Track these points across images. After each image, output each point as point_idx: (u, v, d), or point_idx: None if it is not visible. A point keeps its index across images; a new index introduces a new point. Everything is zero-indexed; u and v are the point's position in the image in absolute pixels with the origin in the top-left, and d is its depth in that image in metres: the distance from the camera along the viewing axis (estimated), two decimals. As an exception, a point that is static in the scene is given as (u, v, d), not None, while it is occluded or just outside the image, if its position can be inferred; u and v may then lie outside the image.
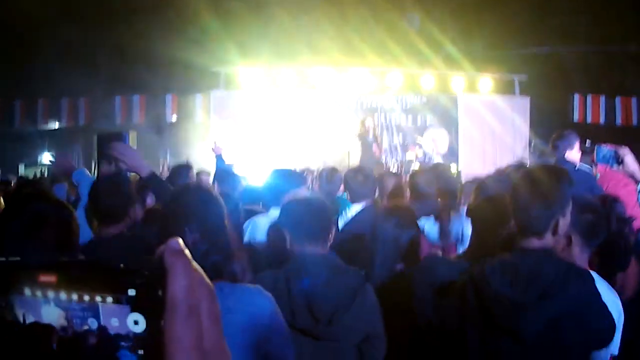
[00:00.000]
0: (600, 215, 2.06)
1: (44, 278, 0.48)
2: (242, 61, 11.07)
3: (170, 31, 11.10)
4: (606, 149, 2.73)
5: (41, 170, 11.88)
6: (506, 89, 11.58)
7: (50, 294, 0.48)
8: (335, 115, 10.86)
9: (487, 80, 11.33)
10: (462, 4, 11.15)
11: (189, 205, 1.59)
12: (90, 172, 10.74)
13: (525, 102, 11.52)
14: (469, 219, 2.47)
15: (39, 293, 0.48)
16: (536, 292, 1.64)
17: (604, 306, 1.66)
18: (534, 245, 1.73)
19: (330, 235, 2.15)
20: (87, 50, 11.97)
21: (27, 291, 0.48)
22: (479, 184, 2.48)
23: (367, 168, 4.59)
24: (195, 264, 0.50)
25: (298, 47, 10.91)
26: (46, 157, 13.01)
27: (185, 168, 4.59)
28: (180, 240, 0.51)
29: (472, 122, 11.27)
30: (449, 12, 11.15)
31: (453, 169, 10.00)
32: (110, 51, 11.66)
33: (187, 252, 0.50)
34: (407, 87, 11.17)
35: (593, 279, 1.69)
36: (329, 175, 4.20)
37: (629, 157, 2.62)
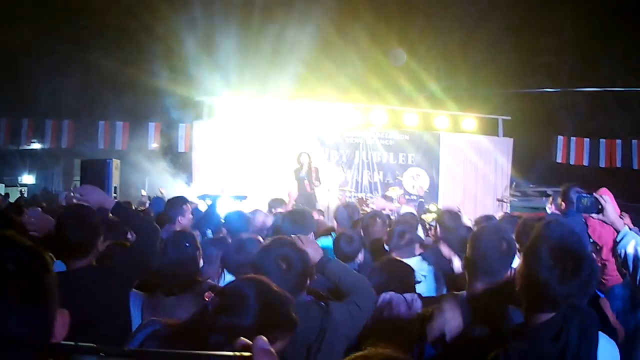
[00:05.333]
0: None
1: None
2: (226, 92, 11.08)
3: (155, 60, 11.13)
4: (586, 197, 2.57)
5: (21, 191, 11.85)
6: (490, 129, 11.57)
7: None
8: (316, 149, 10.83)
9: (470, 121, 11.33)
10: (448, 43, 11.16)
11: None
12: (72, 194, 10.57)
13: (508, 143, 11.51)
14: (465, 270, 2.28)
15: None
16: None
17: None
18: (544, 319, 1.60)
19: (305, 284, 2.08)
20: (74, 73, 11.99)
21: None
22: (474, 235, 2.26)
23: (353, 231, 4.47)
24: None
25: (282, 80, 10.91)
26: (27, 178, 12.99)
27: (180, 200, 4.57)
28: (266, 339, 0.52)
29: (454, 159, 11.26)
30: (434, 51, 11.16)
31: (433, 207, 9.98)
32: (96, 76, 11.67)
33: (273, 350, 0.52)
34: (391, 124, 11.16)
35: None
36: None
37: (609, 206, 2.51)
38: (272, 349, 0.52)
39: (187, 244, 2.64)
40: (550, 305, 1.59)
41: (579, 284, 1.58)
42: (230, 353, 0.52)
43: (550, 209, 6.27)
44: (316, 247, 2.24)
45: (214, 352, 0.51)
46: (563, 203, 4.96)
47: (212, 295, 1.52)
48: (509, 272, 2.03)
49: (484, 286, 1.99)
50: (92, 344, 0.53)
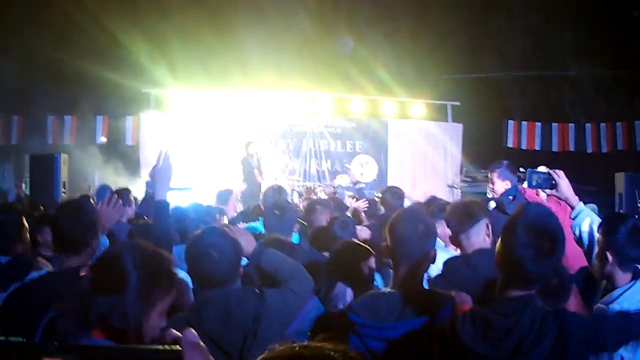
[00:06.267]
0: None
1: None
2: (173, 83, 11.03)
3: (102, 52, 11.02)
4: (538, 173, 2.52)
5: (-28, 189, 11.74)
6: (438, 115, 11.56)
7: None
8: (263, 139, 10.81)
9: (419, 106, 11.31)
10: (395, 28, 11.12)
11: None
12: (21, 192, 10.52)
13: (457, 128, 11.51)
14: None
15: None
16: (509, 347, 1.53)
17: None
18: (516, 295, 1.61)
19: (238, 272, 2.09)
20: (22, 67, 11.87)
21: None
22: (391, 222, 2.17)
23: (286, 203, 4.41)
24: (210, 356, 0.50)
25: (228, 70, 10.86)
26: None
27: (125, 192, 4.69)
28: (195, 332, 0.52)
29: (403, 147, 11.25)
30: (382, 36, 11.10)
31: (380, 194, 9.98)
32: (43, 70, 11.56)
33: (202, 343, 0.52)
34: (337, 111, 11.14)
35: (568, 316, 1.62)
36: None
37: (563, 182, 2.47)
38: (201, 343, 0.53)
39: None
40: (522, 282, 1.60)
41: (553, 263, 1.60)
42: (160, 347, 0.51)
43: (490, 193, 6.06)
44: (249, 238, 2.24)
45: (144, 346, 0.51)
46: (501, 183, 4.76)
47: (87, 269, 1.46)
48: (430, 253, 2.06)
49: (406, 270, 2.00)
50: (20, 338, 0.51)
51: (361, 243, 2.81)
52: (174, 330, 0.54)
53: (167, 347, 0.51)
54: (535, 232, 1.59)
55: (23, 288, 2.15)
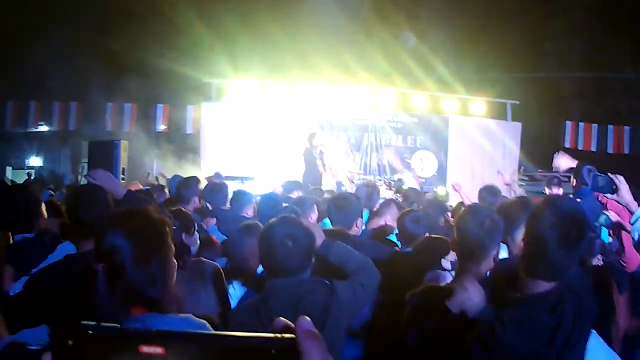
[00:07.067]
0: None
1: (147, 349, 0.44)
2: (234, 74, 11.07)
3: (163, 42, 11.11)
4: (601, 176, 2.63)
5: (28, 174, 11.83)
6: (498, 113, 11.55)
7: None
8: (325, 131, 10.81)
9: (479, 104, 11.30)
10: (456, 26, 11.14)
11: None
12: (78, 177, 10.55)
13: (516, 127, 11.49)
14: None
15: None
16: (560, 342, 1.50)
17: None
18: (545, 288, 1.57)
19: (310, 262, 2.08)
20: (81, 55, 11.96)
21: None
22: (458, 216, 2.21)
23: (351, 195, 4.43)
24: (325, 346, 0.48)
25: (290, 62, 10.90)
26: (34, 161, 12.98)
27: (194, 180, 4.56)
28: (309, 319, 0.49)
29: (463, 143, 11.23)
30: (443, 34, 11.13)
31: (441, 191, 9.95)
32: (103, 58, 11.64)
33: (318, 332, 0.48)
34: (399, 106, 11.14)
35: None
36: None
37: (624, 187, 2.56)
38: (316, 330, 0.49)
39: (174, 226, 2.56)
40: (548, 271, 1.56)
41: (576, 255, 1.57)
42: (271, 335, 0.49)
43: (548, 191, 6.23)
44: (318, 230, 2.24)
45: (252, 334, 0.48)
46: (575, 181, 4.96)
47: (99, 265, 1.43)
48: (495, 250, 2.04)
49: (468, 266, 1.98)
50: (116, 325, 0.48)
51: (443, 238, 2.80)
52: (282, 318, 0.51)
53: (278, 335, 0.48)
54: (562, 217, 1.56)
55: (44, 270, 2.17)
